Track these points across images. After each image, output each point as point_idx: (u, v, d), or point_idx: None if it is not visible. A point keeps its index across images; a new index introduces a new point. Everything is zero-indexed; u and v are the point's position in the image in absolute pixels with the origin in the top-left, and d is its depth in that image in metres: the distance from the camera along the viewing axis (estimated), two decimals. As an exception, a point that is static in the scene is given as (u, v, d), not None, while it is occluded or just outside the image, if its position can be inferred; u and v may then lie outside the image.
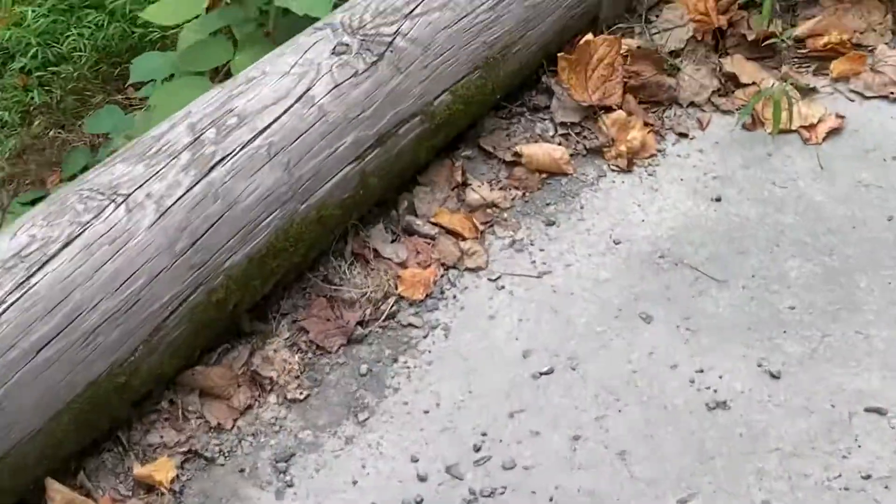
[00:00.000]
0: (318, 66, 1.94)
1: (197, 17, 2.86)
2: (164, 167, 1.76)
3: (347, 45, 1.98)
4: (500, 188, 2.11)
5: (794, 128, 2.19)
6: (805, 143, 2.17)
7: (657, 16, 2.37)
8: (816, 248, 1.98)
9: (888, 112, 2.23)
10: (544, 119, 2.22)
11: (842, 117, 2.21)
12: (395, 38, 2.01)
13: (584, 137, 2.20)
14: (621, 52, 2.25)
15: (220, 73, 2.67)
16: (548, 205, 2.10)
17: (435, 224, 2.02)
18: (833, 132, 2.18)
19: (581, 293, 1.94)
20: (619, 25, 2.36)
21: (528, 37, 2.18)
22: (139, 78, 3.22)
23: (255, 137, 1.83)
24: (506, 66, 2.15)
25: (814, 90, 2.27)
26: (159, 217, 1.72)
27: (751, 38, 2.32)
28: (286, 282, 1.91)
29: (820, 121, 2.19)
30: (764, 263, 1.97)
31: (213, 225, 1.75)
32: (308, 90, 1.91)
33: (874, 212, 2.04)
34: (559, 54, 2.21)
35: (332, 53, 1.96)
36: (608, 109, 2.22)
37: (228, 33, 2.76)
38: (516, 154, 2.14)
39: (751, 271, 1.96)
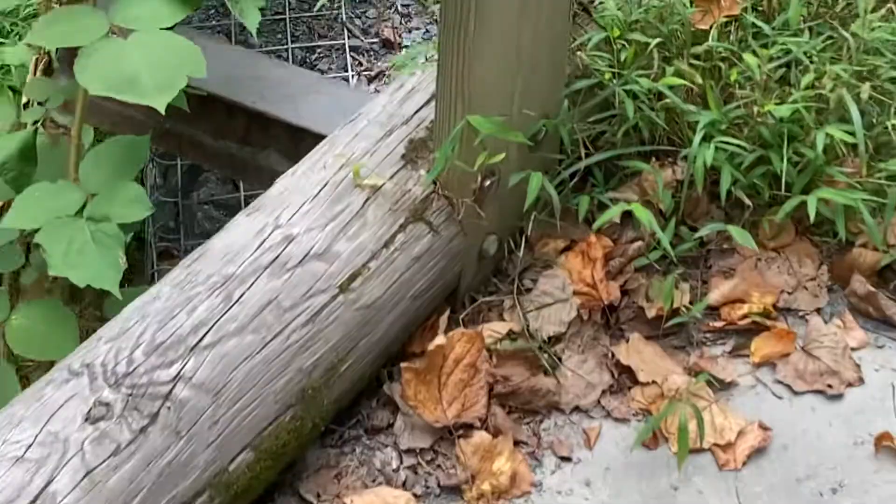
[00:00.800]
0: (66, 442, 1.51)
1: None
2: None
3: (108, 404, 1.55)
4: (326, 557, 1.68)
5: (706, 446, 1.78)
6: (721, 469, 1.77)
7: (533, 281, 1.95)
8: None
9: (825, 415, 1.83)
10: (385, 445, 1.80)
11: (766, 429, 1.81)
12: (174, 387, 1.58)
13: (439, 467, 1.78)
14: (485, 345, 1.83)
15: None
16: (387, 581, 1.67)
17: None
18: (756, 452, 1.78)
19: None
20: (486, 299, 1.94)
21: (363, 346, 1.76)
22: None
23: (-37, 577, 1.38)
24: (331, 393, 1.73)
25: (731, 384, 1.86)
26: None
27: (651, 314, 1.91)
28: None
29: (740, 434, 1.79)
30: None
31: None
32: (48, 485, 1.48)
33: (810, 584, 1.63)
34: (403, 364, 1.79)
35: (86, 420, 1.53)
36: (468, 428, 1.79)
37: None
38: (347, 508, 1.71)
39: None
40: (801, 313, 1.96)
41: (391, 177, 1.84)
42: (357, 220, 1.79)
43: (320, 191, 1.81)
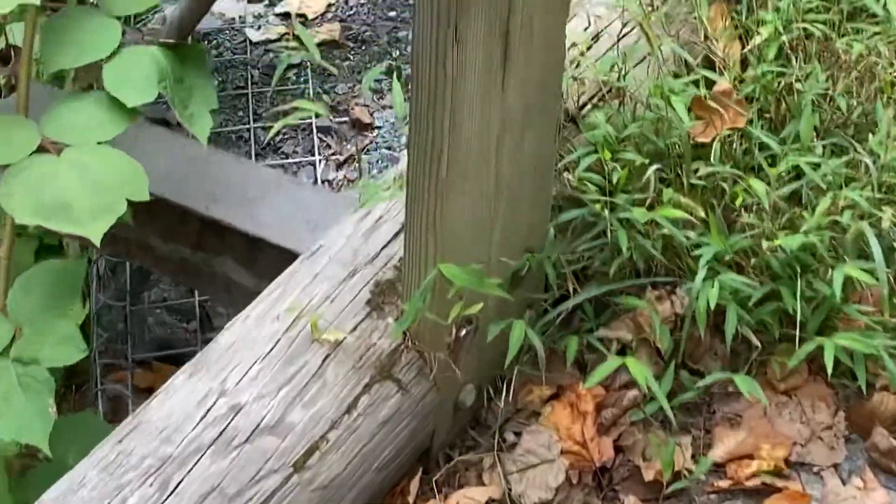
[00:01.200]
0: None
1: None
2: None
3: None
4: None
5: None
6: None
7: (516, 434, 1.75)
8: None
9: None
10: None
11: None
12: None
13: None
14: (462, 519, 1.62)
15: None
16: None
17: None
18: None
19: None
20: (462, 458, 1.73)
21: (319, 536, 1.54)
22: None
23: None
24: None
25: (740, 558, 1.66)
26: None
27: (648, 476, 1.70)
28: None
29: None
30: None
31: None
32: None
33: None
34: (367, 552, 1.58)
35: None
36: None
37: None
38: None
39: None
40: (815, 468, 1.76)
41: (354, 328, 1.64)
42: (315, 382, 1.58)
43: (273, 348, 1.60)
